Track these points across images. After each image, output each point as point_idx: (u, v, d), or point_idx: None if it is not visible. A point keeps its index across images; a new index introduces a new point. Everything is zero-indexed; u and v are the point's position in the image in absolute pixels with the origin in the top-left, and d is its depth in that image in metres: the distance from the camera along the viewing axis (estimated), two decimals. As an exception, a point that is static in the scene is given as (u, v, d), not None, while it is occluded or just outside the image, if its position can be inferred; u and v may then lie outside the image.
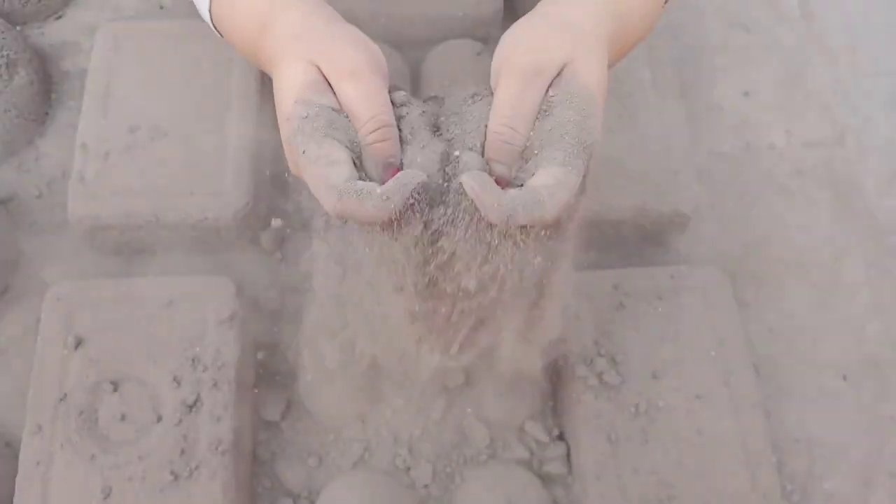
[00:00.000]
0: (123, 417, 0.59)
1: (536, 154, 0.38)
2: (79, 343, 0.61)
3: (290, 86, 0.41)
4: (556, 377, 0.68)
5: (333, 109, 0.40)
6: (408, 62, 0.79)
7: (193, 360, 0.61)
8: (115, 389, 0.60)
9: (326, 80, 0.41)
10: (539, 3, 0.43)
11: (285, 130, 0.42)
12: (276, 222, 0.67)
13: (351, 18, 0.79)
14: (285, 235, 0.73)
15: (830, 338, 0.73)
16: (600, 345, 0.64)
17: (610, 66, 0.44)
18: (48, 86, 0.79)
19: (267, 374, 0.67)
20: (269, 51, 0.44)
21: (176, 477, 0.58)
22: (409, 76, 0.79)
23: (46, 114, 0.78)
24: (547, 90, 0.39)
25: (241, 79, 0.72)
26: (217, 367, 0.61)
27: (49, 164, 0.76)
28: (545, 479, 0.64)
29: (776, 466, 0.61)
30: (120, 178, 0.68)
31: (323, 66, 0.40)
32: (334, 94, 0.41)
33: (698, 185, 0.72)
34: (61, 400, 0.60)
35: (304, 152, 0.39)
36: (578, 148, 0.37)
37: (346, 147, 0.39)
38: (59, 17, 0.84)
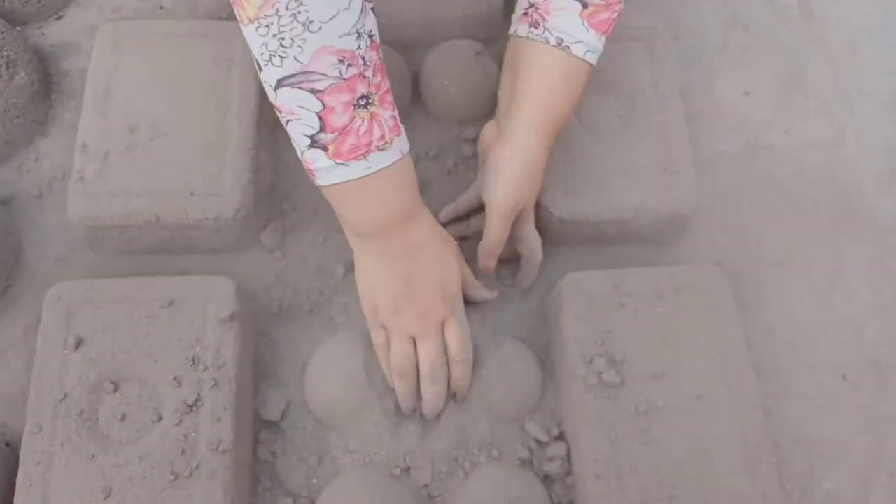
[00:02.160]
0: (124, 417, 0.60)
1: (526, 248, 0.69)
2: (79, 343, 0.62)
3: (460, 279, 0.65)
4: (555, 377, 0.68)
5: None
6: (408, 62, 0.79)
7: (194, 360, 0.61)
8: (116, 389, 0.60)
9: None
10: (507, 124, 0.65)
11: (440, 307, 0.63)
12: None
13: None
14: (286, 234, 0.73)
15: (830, 338, 0.73)
16: (600, 345, 0.64)
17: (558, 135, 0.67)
18: (48, 86, 0.79)
19: (267, 374, 0.67)
20: (424, 236, 0.62)
21: (176, 477, 0.58)
22: (409, 76, 0.79)
23: (47, 114, 0.78)
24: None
25: (240, 79, 0.72)
26: (217, 367, 0.61)
27: (49, 164, 0.76)
28: (545, 479, 0.64)
29: (776, 466, 0.61)
30: (120, 178, 0.68)
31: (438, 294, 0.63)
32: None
33: (698, 185, 0.72)
34: (62, 400, 0.60)
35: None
36: (534, 233, 0.69)
37: None
38: (60, 17, 0.84)
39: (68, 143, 0.75)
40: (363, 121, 0.54)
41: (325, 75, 0.51)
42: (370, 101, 0.53)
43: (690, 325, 0.65)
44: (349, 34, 0.50)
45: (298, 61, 0.50)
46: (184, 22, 0.75)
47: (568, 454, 0.64)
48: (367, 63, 0.52)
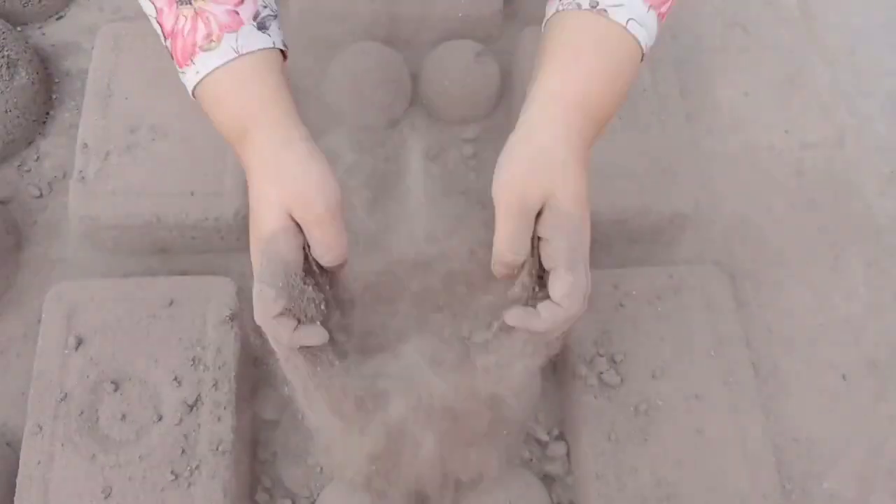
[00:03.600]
0: (124, 417, 0.60)
1: (550, 274, 0.48)
2: (79, 343, 0.62)
3: (265, 227, 0.49)
4: (555, 377, 0.68)
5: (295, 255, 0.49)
6: (408, 63, 0.79)
7: (194, 360, 0.61)
8: (116, 389, 0.60)
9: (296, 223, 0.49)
10: (519, 121, 0.49)
11: (255, 250, 0.50)
12: None
13: (351, 20, 0.79)
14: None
15: (829, 337, 0.73)
16: (600, 344, 0.64)
17: (599, 135, 0.51)
18: (49, 86, 0.80)
19: (267, 374, 0.67)
20: (248, 173, 0.50)
21: (176, 476, 0.58)
22: (409, 77, 0.79)
23: (47, 114, 0.78)
24: (539, 216, 0.48)
25: (241, 79, 0.73)
26: (217, 367, 0.61)
27: (50, 163, 0.76)
28: (545, 479, 0.64)
29: (775, 465, 0.61)
30: (120, 178, 0.68)
31: (295, 213, 0.48)
32: (300, 233, 0.49)
33: (698, 185, 0.72)
34: (62, 399, 0.60)
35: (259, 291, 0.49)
36: (574, 263, 0.47)
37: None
38: (60, 17, 0.84)
39: (69, 143, 0.76)
40: (186, 19, 0.49)
41: None
42: None
43: (690, 325, 0.65)
44: None
45: None
46: (184, 22, 0.75)
47: (568, 454, 0.64)
48: None
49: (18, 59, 0.75)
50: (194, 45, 0.48)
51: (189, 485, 0.58)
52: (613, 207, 0.70)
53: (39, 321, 0.63)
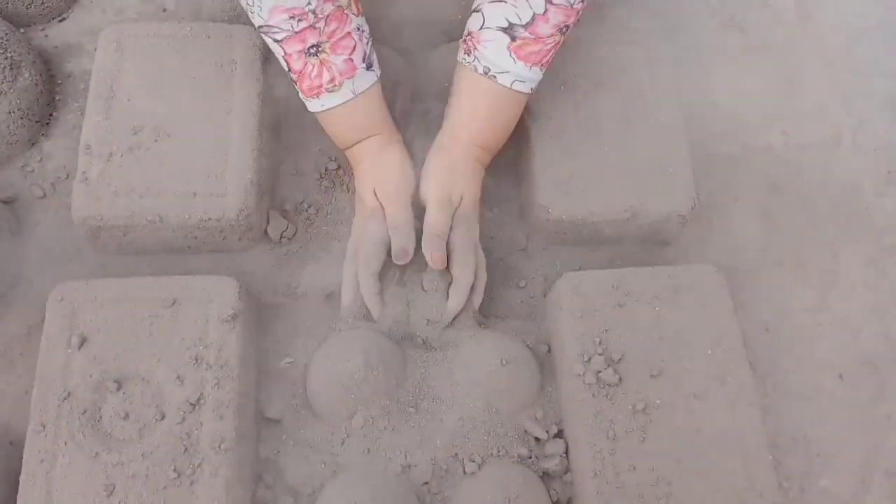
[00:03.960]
0: (127, 416, 0.60)
1: (456, 253, 0.69)
2: (82, 342, 0.62)
3: (367, 203, 0.70)
4: (554, 375, 0.68)
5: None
6: (408, 64, 0.80)
7: (196, 359, 0.62)
8: (119, 388, 0.61)
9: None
10: (433, 149, 0.71)
11: (362, 218, 0.71)
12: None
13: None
14: (289, 235, 0.74)
15: (827, 337, 0.74)
16: (598, 344, 0.64)
17: (493, 154, 0.72)
18: (52, 87, 0.80)
19: (269, 373, 0.68)
20: (358, 164, 0.72)
21: (179, 474, 0.58)
22: (410, 78, 0.79)
23: (50, 115, 0.79)
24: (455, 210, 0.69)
25: (243, 81, 0.73)
26: (220, 366, 0.61)
27: (53, 164, 0.77)
28: (544, 477, 0.64)
29: (773, 464, 0.61)
30: (123, 179, 0.68)
31: (378, 193, 0.70)
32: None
33: (696, 185, 0.73)
34: (65, 398, 0.60)
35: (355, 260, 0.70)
36: (470, 248, 0.69)
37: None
38: (63, 19, 0.85)
39: (72, 144, 0.76)
40: (313, 67, 0.65)
41: (281, 28, 0.63)
42: (320, 49, 0.64)
43: (688, 325, 0.65)
44: None
45: (261, 17, 0.63)
46: (187, 24, 0.76)
47: (566, 452, 0.65)
48: (318, 16, 0.63)
49: (21, 61, 0.76)
50: (320, 87, 0.66)
51: (191, 483, 0.58)
52: (612, 207, 0.71)
53: (42, 320, 0.63)
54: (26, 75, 0.76)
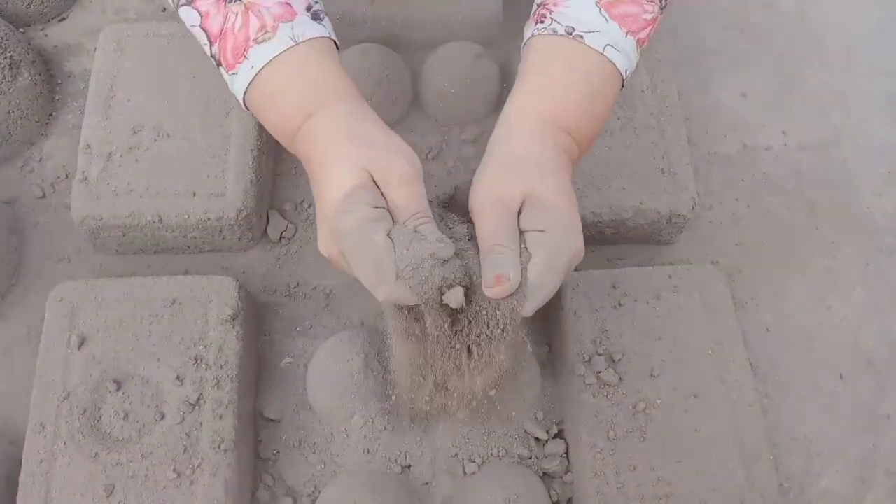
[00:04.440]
0: (126, 416, 0.60)
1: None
2: (82, 342, 0.62)
3: (343, 184, 0.45)
4: (554, 375, 0.68)
5: (378, 208, 0.46)
6: (408, 65, 0.80)
7: (196, 359, 0.62)
8: (119, 388, 0.61)
9: (375, 183, 0.46)
10: (489, 143, 0.49)
11: (335, 221, 0.46)
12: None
13: (352, 20, 0.80)
14: (288, 234, 0.74)
15: (827, 337, 0.74)
16: (598, 344, 0.64)
17: (582, 155, 0.52)
18: (52, 87, 0.80)
19: (269, 373, 0.68)
20: (316, 144, 0.47)
21: (178, 475, 0.58)
22: (409, 78, 0.80)
23: (50, 115, 0.79)
24: (519, 216, 0.47)
25: (242, 80, 0.73)
26: (219, 366, 0.61)
27: (52, 164, 0.77)
28: (544, 477, 0.64)
29: (773, 464, 0.61)
30: (123, 179, 0.68)
31: (376, 173, 0.46)
32: (381, 196, 0.46)
33: (696, 185, 0.73)
34: (65, 398, 0.60)
35: (353, 251, 0.45)
36: (554, 259, 0.46)
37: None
38: (63, 18, 0.85)
39: (71, 144, 0.76)
40: (236, 15, 0.47)
41: None
42: None
43: (688, 325, 0.65)
44: None
45: None
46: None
47: (567, 452, 0.65)
48: None
49: (21, 61, 0.76)
50: (247, 39, 0.47)
51: (191, 483, 0.58)
52: (612, 207, 0.71)
53: (42, 321, 0.63)
54: (26, 75, 0.76)
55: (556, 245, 0.46)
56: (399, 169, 0.46)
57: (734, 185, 0.80)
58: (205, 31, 0.48)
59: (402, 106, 0.79)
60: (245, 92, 0.49)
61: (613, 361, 0.63)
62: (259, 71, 0.47)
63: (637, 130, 0.74)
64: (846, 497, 0.67)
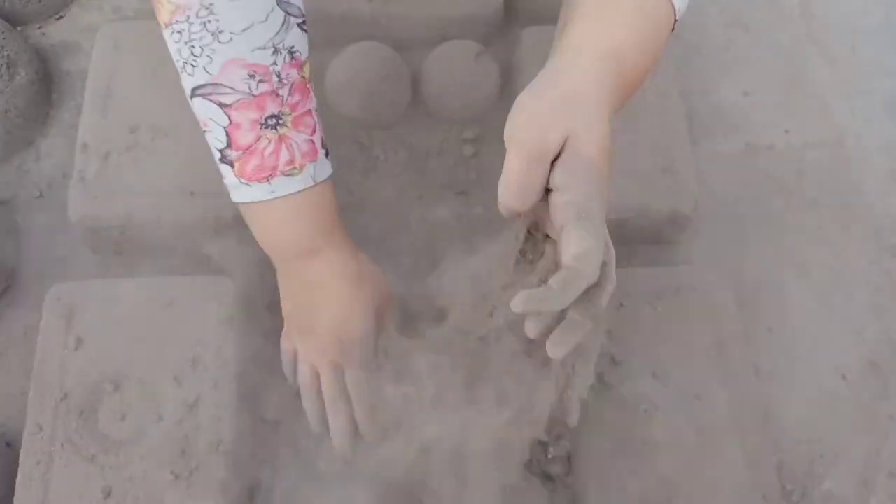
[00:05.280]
0: (124, 417, 0.60)
1: (561, 231, 0.42)
2: (79, 343, 0.62)
3: (362, 323, 0.58)
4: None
5: None
6: (408, 63, 0.79)
7: (194, 360, 0.61)
8: (116, 389, 0.60)
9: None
10: (542, 73, 0.45)
11: (358, 338, 0.58)
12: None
13: (351, 20, 0.79)
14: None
15: (830, 338, 0.73)
16: (600, 345, 0.64)
17: (618, 110, 0.48)
18: (49, 86, 0.80)
19: (267, 374, 0.67)
20: (324, 278, 0.57)
21: (176, 477, 0.58)
22: (409, 77, 0.79)
23: (47, 114, 0.79)
24: (554, 162, 0.43)
25: (241, 79, 0.73)
26: (217, 367, 0.61)
27: (50, 164, 0.76)
28: (546, 479, 0.64)
29: (776, 466, 0.61)
30: (120, 178, 0.68)
31: (380, 308, 0.58)
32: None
33: (698, 185, 0.72)
34: (62, 400, 0.60)
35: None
36: (589, 220, 0.42)
37: None
38: (60, 17, 0.84)
39: (69, 144, 0.76)
40: (270, 142, 0.50)
41: (234, 89, 0.48)
42: (281, 121, 0.50)
43: (690, 325, 0.65)
44: (263, 48, 0.48)
45: (208, 72, 0.48)
46: (184, 22, 0.75)
47: (568, 454, 0.64)
48: (283, 81, 0.50)
49: (18, 59, 0.75)
50: (275, 167, 0.51)
51: (189, 485, 0.58)
52: (614, 207, 0.70)
53: (39, 321, 0.63)
54: (23, 74, 0.75)
55: (584, 209, 0.42)
56: (391, 301, 0.60)
57: (737, 185, 0.80)
58: (229, 135, 0.51)
59: (402, 105, 0.78)
60: (249, 203, 0.54)
61: (615, 362, 0.63)
62: (276, 198, 0.52)
63: (640, 129, 0.73)
64: (849, 499, 0.67)
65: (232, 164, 0.51)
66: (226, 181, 0.53)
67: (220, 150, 0.51)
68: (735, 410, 0.62)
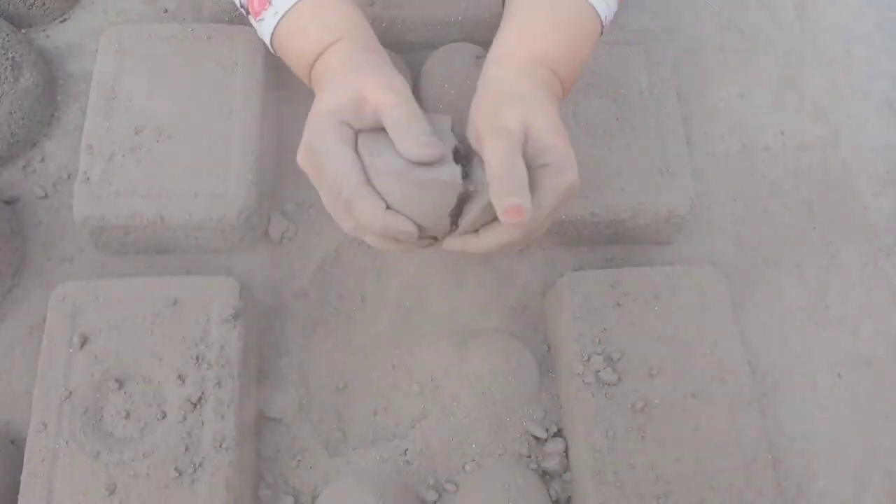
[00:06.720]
0: (128, 415, 0.60)
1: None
2: (84, 342, 0.62)
3: (327, 100, 0.51)
4: (553, 374, 0.69)
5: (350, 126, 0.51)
6: (408, 65, 0.80)
7: (198, 358, 0.62)
8: (120, 387, 0.61)
9: (360, 104, 0.51)
10: (480, 82, 0.53)
11: (305, 136, 0.51)
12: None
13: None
14: (290, 234, 0.74)
15: (825, 337, 0.74)
16: (598, 343, 0.64)
17: (564, 97, 0.55)
18: (53, 88, 0.80)
19: (270, 372, 0.68)
20: (323, 78, 0.54)
21: (180, 474, 0.58)
22: (409, 79, 0.80)
23: (52, 116, 0.79)
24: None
25: (244, 81, 0.73)
26: (221, 365, 0.62)
27: (54, 165, 0.77)
28: (543, 476, 0.64)
29: (771, 464, 0.61)
30: (125, 180, 0.69)
31: (367, 92, 0.51)
32: (365, 115, 0.51)
33: (694, 185, 0.73)
34: (66, 398, 0.60)
35: (320, 164, 0.50)
36: (549, 195, 0.49)
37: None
38: (65, 19, 0.85)
39: (73, 145, 0.76)
40: None
41: None
42: None
43: (686, 324, 0.65)
44: None
45: None
46: (188, 25, 0.76)
47: (566, 451, 0.65)
48: None
49: (23, 62, 0.76)
50: None
51: (192, 482, 0.58)
52: (610, 208, 0.71)
53: (44, 320, 0.64)
54: (28, 76, 0.76)
55: (556, 183, 0.50)
56: (393, 86, 0.51)
57: (732, 186, 0.80)
58: None
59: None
60: (272, 35, 0.55)
61: (612, 361, 0.64)
62: (282, 17, 0.53)
63: (636, 131, 0.74)
64: (844, 497, 0.67)
65: (248, 11, 0.56)
66: (259, 33, 0.57)
67: (240, 5, 0.57)
68: (731, 408, 0.63)
